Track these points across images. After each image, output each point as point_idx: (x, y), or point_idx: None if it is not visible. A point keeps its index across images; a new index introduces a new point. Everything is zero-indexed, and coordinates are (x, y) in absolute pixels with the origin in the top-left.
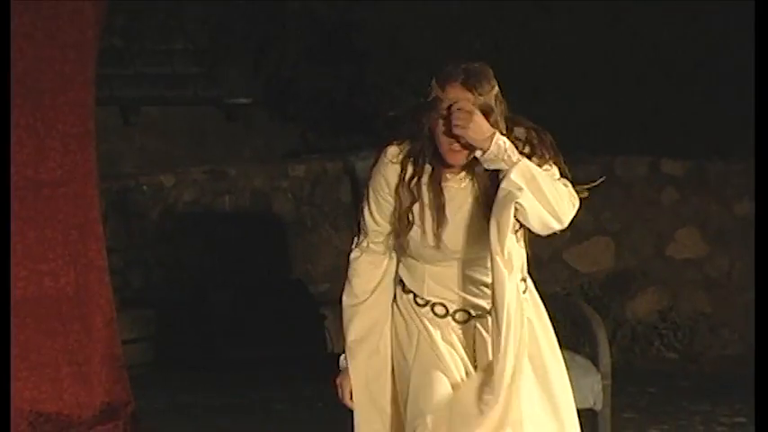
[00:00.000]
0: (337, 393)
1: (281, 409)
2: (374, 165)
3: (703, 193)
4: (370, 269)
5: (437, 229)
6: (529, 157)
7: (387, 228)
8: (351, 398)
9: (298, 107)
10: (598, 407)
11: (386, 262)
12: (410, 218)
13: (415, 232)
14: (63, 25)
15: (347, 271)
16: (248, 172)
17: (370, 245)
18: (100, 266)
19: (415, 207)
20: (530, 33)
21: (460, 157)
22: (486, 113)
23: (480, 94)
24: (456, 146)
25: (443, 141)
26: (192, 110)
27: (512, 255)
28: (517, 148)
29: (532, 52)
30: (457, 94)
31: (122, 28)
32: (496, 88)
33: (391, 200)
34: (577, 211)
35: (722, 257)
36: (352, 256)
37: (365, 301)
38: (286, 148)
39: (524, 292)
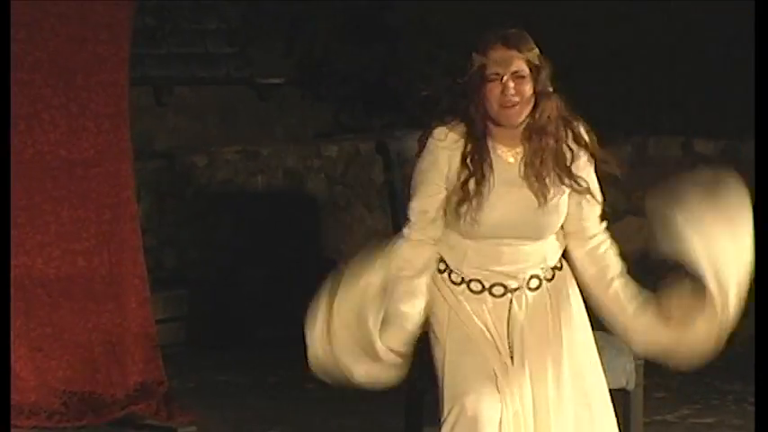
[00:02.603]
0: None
1: (313, 388)
2: (420, 149)
3: (736, 173)
4: (409, 258)
5: (485, 202)
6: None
7: (435, 213)
8: None
9: (330, 87)
10: (630, 387)
11: (428, 253)
12: (466, 191)
13: (465, 207)
14: (96, 5)
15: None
16: (281, 152)
17: (414, 234)
18: (134, 246)
19: (471, 182)
20: (561, 12)
21: (515, 115)
22: (533, 70)
23: (524, 52)
24: (508, 102)
25: (494, 104)
26: (224, 90)
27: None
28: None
29: (564, 31)
30: (501, 55)
31: (155, 7)
32: (537, 50)
33: (441, 181)
34: (610, 190)
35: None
36: (396, 244)
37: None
38: (318, 128)
39: (551, 279)
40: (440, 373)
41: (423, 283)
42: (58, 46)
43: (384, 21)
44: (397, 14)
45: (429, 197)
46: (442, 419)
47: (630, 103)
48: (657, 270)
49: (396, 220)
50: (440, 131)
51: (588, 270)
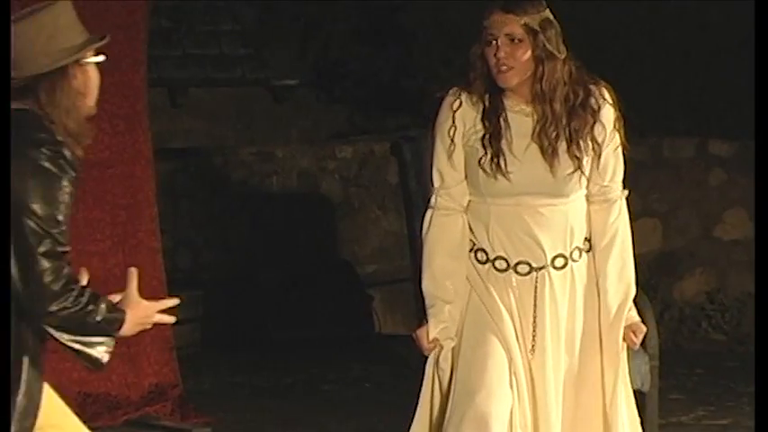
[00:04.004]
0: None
1: (329, 389)
2: (437, 113)
3: (751, 173)
4: (444, 234)
5: (502, 156)
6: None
7: (456, 174)
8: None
9: (345, 88)
10: (646, 388)
11: (460, 221)
12: (484, 146)
13: (485, 163)
14: (111, 6)
15: (421, 233)
16: (296, 153)
17: (440, 201)
18: (151, 247)
19: (486, 137)
20: (576, 14)
21: (511, 78)
22: (530, 33)
23: (520, 15)
24: (504, 67)
25: (492, 66)
26: (239, 91)
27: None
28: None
29: (579, 33)
30: (496, 18)
31: (170, 9)
32: (546, 13)
33: (457, 140)
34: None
35: None
36: (425, 222)
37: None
38: (333, 130)
39: (577, 261)
40: (452, 363)
41: (461, 261)
42: None
43: (399, 23)
44: (411, 16)
45: (448, 158)
46: (449, 412)
47: (645, 105)
48: (674, 271)
49: (410, 221)
50: (453, 92)
51: (593, 230)
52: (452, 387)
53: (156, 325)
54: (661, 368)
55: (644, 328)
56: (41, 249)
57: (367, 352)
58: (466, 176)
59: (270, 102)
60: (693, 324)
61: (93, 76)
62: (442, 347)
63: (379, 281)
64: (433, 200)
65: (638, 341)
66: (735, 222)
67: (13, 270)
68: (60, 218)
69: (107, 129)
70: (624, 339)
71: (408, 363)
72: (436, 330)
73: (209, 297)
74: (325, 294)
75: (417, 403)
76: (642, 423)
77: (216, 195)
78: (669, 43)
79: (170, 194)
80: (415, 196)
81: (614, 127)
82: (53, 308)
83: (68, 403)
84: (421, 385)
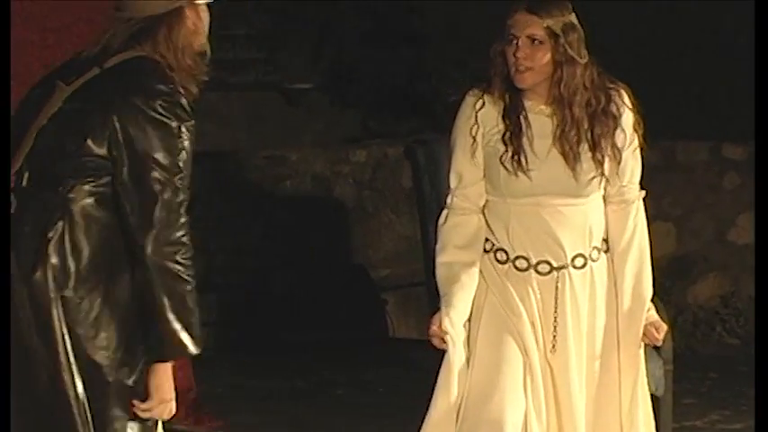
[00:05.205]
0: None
1: (342, 393)
2: (455, 115)
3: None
4: (457, 230)
5: (523, 154)
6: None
7: (474, 175)
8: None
9: (358, 92)
10: (660, 392)
11: (475, 219)
12: (504, 144)
13: (506, 161)
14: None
15: (436, 233)
16: (309, 157)
17: (456, 201)
18: None
19: (506, 135)
20: (587, 16)
21: (527, 79)
22: (551, 36)
23: (543, 17)
24: (522, 67)
25: (510, 66)
26: (252, 95)
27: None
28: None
29: (591, 36)
30: (519, 18)
31: None
32: (570, 17)
33: (477, 140)
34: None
35: None
36: (440, 220)
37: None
38: (347, 134)
39: (596, 261)
40: (467, 364)
41: (474, 255)
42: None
43: (412, 26)
44: (425, 20)
45: (465, 158)
46: (461, 415)
47: (658, 108)
48: (687, 275)
49: (424, 226)
50: (475, 92)
51: (610, 232)
52: (466, 389)
53: None
54: (675, 372)
55: (665, 326)
56: (165, 197)
57: (380, 356)
58: (484, 176)
59: (283, 105)
60: (707, 328)
61: (204, 17)
62: (454, 344)
63: (392, 285)
64: (448, 200)
65: (660, 338)
66: (748, 226)
67: (134, 218)
68: (181, 165)
69: None
70: (647, 337)
71: (421, 367)
72: (448, 315)
73: (221, 301)
74: (338, 298)
75: (431, 402)
76: (656, 427)
77: (229, 199)
78: (683, 46)
79: None
80: (428, 200)
81: (633, 130)
82: (176, 256)
83: None
84: (433, 387)
